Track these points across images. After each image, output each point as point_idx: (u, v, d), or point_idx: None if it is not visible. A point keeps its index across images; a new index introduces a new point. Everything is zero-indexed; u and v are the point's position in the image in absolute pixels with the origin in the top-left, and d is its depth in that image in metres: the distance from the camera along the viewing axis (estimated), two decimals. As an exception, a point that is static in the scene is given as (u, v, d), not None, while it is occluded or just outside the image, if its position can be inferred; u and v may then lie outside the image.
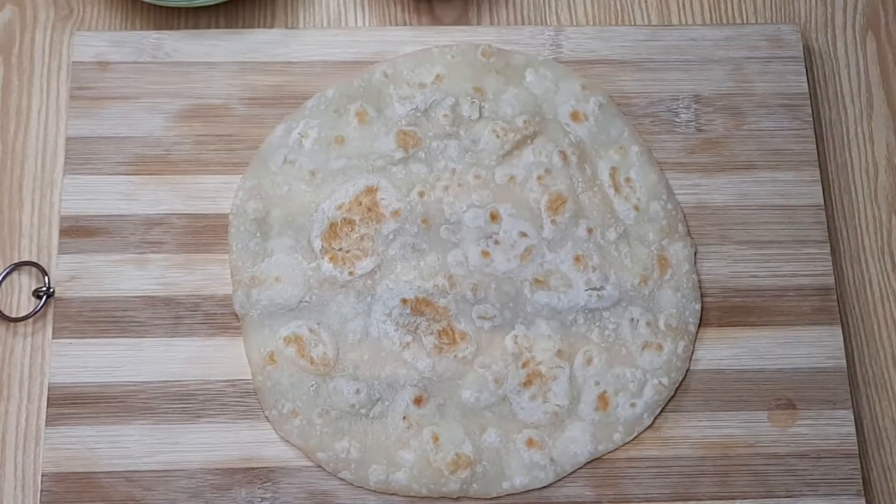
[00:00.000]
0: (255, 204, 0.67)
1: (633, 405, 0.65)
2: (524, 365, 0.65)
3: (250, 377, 0.65)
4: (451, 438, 0.64)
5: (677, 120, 0.71)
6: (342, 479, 0.63)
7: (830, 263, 0.69)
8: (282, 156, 0.68)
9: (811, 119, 0.71)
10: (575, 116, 0.70)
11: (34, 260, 0.67)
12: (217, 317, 0.66)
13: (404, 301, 0.66)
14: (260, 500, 0.63)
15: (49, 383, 0.64)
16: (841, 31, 0.76)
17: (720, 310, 0.68)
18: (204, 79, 0.70)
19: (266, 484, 0.63)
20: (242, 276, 0.66)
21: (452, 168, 0.69)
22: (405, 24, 0.74)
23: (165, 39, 0.71)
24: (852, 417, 0.66)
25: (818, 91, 0.74)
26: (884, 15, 0.76)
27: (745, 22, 0.75)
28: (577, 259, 0.67)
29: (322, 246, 0.67)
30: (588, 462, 0.64)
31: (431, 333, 0.65)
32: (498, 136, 0.69)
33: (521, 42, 0.72)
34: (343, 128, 0.69)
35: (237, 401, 0.65)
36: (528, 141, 0.69)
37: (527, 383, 0.65)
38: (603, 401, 0.65)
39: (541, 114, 0.70)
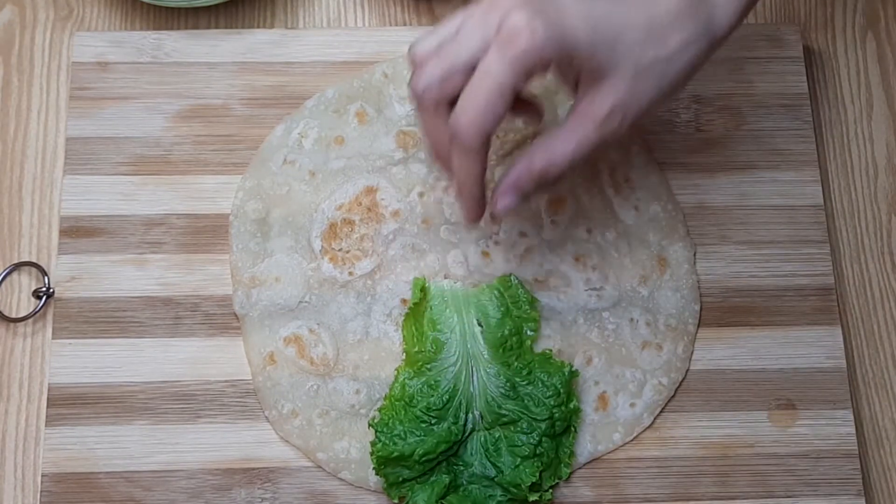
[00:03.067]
0: (255, 204, 0.67)
1: (632, 405, 0.65)
2: (524, 365, 0.65)
3: (250, 377, 0.65)
4: (450, 438, 0.64)
5: (677, 120, 0.71)
6: (342, 479, 0.63)
7: (830, 263, 0.69)
8: (282, 156, 0.68)
9: (811, 119, 0.71)
10: (575, 116, 0.70)
11: (34, 260, 0.67)
12: (217, 317, 0.66)
13: (404, 301, 0.66)
14: (260, 500, 0.63)
15: (49, 383, 0.64)
16: (841, 32, 0.76)
17: (720, 310, 0.68)
18: (204, 79, 0.70)
19: (266, 484, 0.63)
20: (242, 277, 0.66)
21: (452, 168, 0.68)
22: (405, 24, 0.74)
23: (165, 39, 0.71)
24: (852, 417, 0.66)
25: (818, 91, 0.74)
26: (884, 15, 0.76)
27: (744, 22, 0.75)
28: (576, 259, 0.67)
29: (322, 246, 0.67)
30: (588, 462, 0.64)
31: (431, 333, 0.65)
32: (497, 137, 0.69)
33: (521, 42, 0.72)
34: (343, 128, 0.69)
35: (237, 401, 0.65)
36: (528, 142, 0.69)
37: (527, 383, 0.65)
38: (602, 401, 0.65)
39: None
